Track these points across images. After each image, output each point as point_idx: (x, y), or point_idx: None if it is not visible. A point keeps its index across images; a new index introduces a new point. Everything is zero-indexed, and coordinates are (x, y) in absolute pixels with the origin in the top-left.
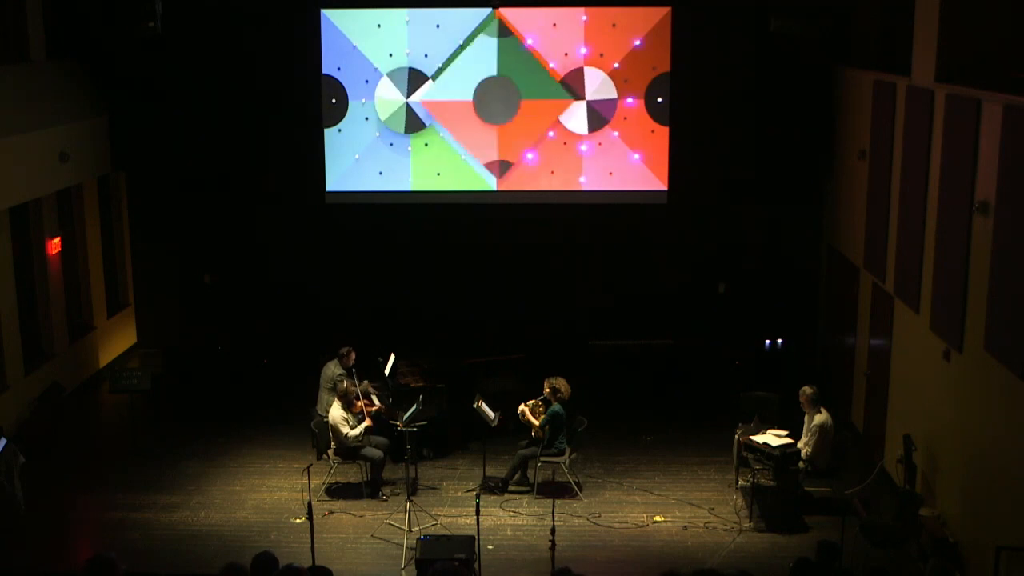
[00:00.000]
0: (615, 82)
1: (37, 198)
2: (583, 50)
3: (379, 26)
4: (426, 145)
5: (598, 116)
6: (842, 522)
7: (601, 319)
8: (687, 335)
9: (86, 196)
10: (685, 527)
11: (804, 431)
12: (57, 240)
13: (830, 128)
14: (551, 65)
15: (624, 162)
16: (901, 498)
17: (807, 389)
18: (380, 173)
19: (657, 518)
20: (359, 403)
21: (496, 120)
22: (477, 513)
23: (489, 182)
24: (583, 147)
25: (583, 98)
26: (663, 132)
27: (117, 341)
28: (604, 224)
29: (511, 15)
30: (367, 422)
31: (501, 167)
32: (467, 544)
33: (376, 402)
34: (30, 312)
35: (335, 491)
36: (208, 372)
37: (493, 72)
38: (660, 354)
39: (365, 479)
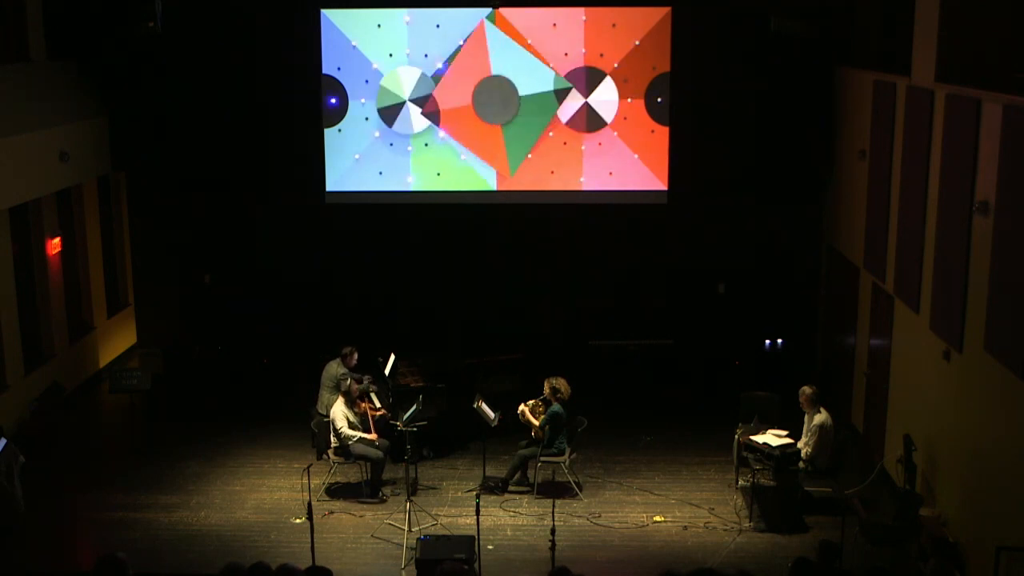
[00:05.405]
0: (615, 82)
1: (37, 198)
2: (583, 50)
3: (379, 26)
4: (426, 145)
5: (598, 116)
6: (842, 522)
7: (601, 319)
8: (687, 335)
9: (86, 196)
10: (685, 527)
11: (804, 431)
12: (57, 240)
13: (830, 128)
14: (551, 65)
15: (624, 162)
16: (901, 498)
17: (807, 389)
18: (380, 173)
19: (657, 518)
20: (363, 404)
21: (496, 120)
22: (477, 513)
23: (489, 182)
24: (583, 147)
25: (583, 98)
26: (663, 132)
27: (117, 341)
28: (604, 224)
29: (511, 15)
30: (372, 436)
31: (501, 167)
32: (467, 544)
33: (377, 403)
34: (30, 312)
35: (335, 491)
36: (208, 372)
37: (493, 72)
38: (660, 354)
39: (365, 479)
